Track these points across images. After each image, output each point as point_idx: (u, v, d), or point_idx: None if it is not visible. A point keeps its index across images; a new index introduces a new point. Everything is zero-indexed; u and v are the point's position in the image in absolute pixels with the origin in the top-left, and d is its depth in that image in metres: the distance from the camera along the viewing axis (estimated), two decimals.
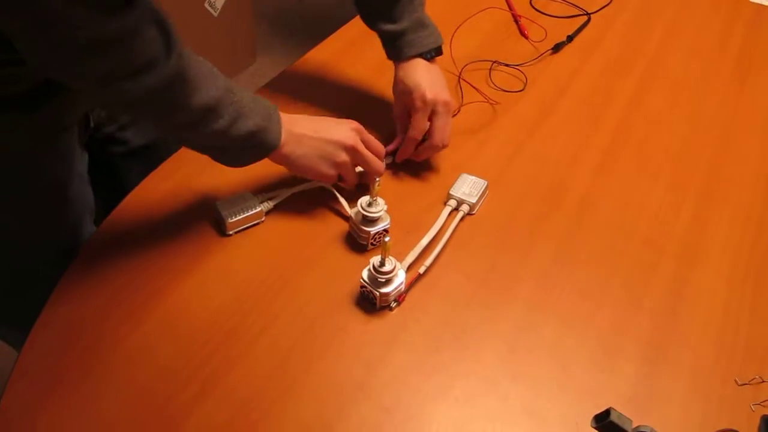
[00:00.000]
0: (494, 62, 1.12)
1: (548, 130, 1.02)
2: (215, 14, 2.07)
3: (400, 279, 0.76)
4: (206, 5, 2.01)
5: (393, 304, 0.76)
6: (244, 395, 0.68)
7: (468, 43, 1.15)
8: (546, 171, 0.95)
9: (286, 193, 0.86)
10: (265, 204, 0.84)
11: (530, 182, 0.93)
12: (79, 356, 0.69)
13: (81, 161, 0.89)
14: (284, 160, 0.78)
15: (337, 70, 1.08)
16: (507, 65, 1.12)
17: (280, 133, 0.76)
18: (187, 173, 0.89)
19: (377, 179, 0.78)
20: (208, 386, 0.68)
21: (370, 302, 0.76)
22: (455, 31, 1.12)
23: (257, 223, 0.83)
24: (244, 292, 0.77)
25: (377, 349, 0.73)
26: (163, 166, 0.90)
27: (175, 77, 0.65)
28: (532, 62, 1.14)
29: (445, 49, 0.94)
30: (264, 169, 0.82)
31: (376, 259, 0.74)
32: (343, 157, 0.80)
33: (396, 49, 0.90)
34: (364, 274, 0.75)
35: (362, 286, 0.76)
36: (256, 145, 0.74)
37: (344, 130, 0.80)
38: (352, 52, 1.12)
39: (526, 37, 1.20)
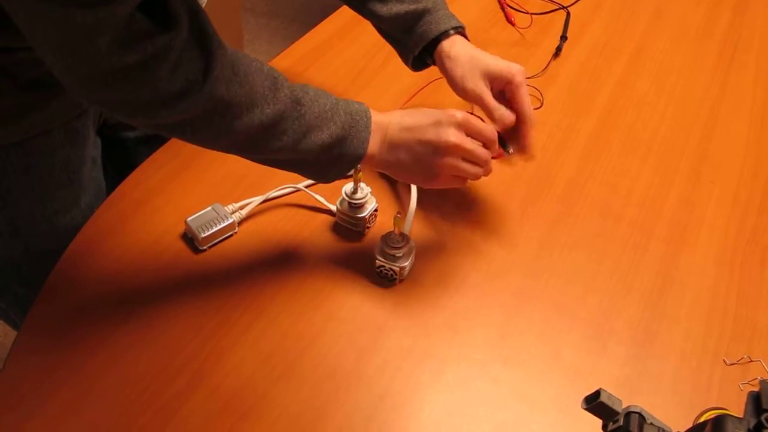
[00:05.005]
0: None
1: (535, 115, 1.01)
2: (202, 5, 2.05)
3: (412, 252, 0.77)
4: None
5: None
6: (234, 386, 0.68)
7: None
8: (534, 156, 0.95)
9: (258, 200, 0.83)
10: (237, 214, 0.81)
11: (518, 167, 0.93)
12: (65, 353, 0.69)
13: (94, 146, 0.88)
14: (380, 167, 0.72)
15: (325, 58, 1.08)
16: None
17: (366, 141, 0.68)
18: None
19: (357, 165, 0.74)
20: (195, 380, 0.68)
21: (388, 279, 0.77)
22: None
23: (231, 235, 0.81)
24: (232, 285, 0.76)
25: (368, 336, 0.73)
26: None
27: (216, 103, 0.60)
28: (539, 74, 1.11)
29: None
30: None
31: (388, 237, 0.75)
32: (446, 161, 0.70)
33: (429, 26, 0.80)
34: (379, 253, 0.76)
35: (379, 266, 0.76)
36: (333, 158, 0.68)
37: (444, 131, 0.69)
38: (341, 39, 1.11)
39: (512, 24, 1.19)
